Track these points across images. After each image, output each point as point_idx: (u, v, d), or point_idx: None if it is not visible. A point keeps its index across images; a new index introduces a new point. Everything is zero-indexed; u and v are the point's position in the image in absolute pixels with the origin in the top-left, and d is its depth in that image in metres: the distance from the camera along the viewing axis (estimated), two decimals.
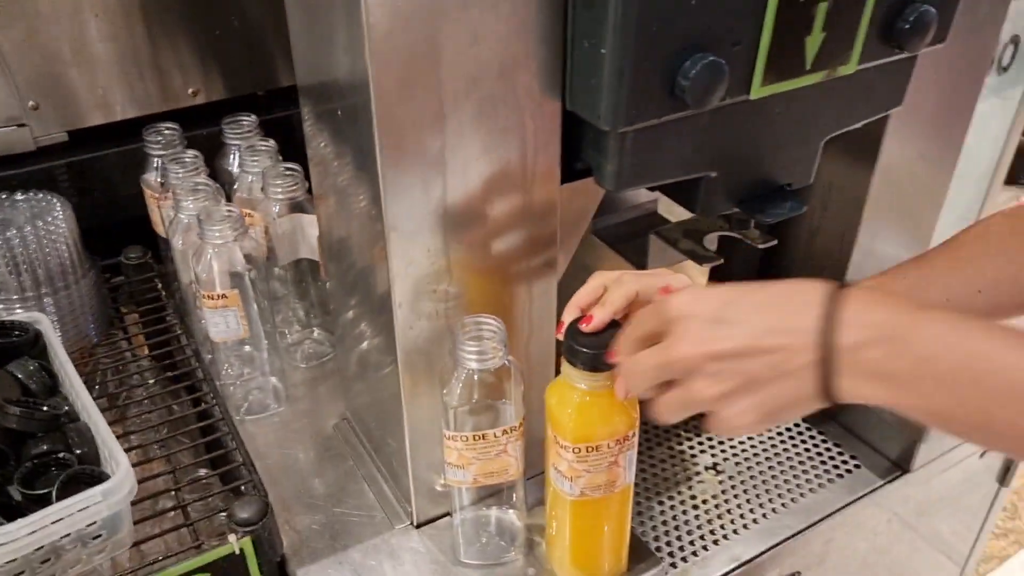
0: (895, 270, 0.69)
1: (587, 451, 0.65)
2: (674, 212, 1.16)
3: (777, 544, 0.89)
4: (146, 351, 0.99)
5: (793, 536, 0.89)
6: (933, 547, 1.19)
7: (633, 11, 0.56)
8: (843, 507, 0.92)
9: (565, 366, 0.65)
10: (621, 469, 0.67)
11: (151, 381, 0.93)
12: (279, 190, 0.91)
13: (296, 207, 0.93)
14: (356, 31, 0.57)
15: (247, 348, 0.94)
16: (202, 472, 0.87)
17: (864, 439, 1.00)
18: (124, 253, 1.05)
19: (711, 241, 0.89)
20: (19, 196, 0.92)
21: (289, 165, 0.93)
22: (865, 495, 0.94)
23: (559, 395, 0.67)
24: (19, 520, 0.63)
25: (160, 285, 1.04)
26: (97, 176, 1.06)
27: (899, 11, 0.68)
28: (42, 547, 0.64)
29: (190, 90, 1.08)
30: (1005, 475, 1.18)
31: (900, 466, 0.97)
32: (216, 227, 0.82)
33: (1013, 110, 1.95)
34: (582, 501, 0.68)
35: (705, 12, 0.58)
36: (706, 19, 0.59)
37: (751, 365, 0.51)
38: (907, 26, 0.69)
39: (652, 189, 0.76)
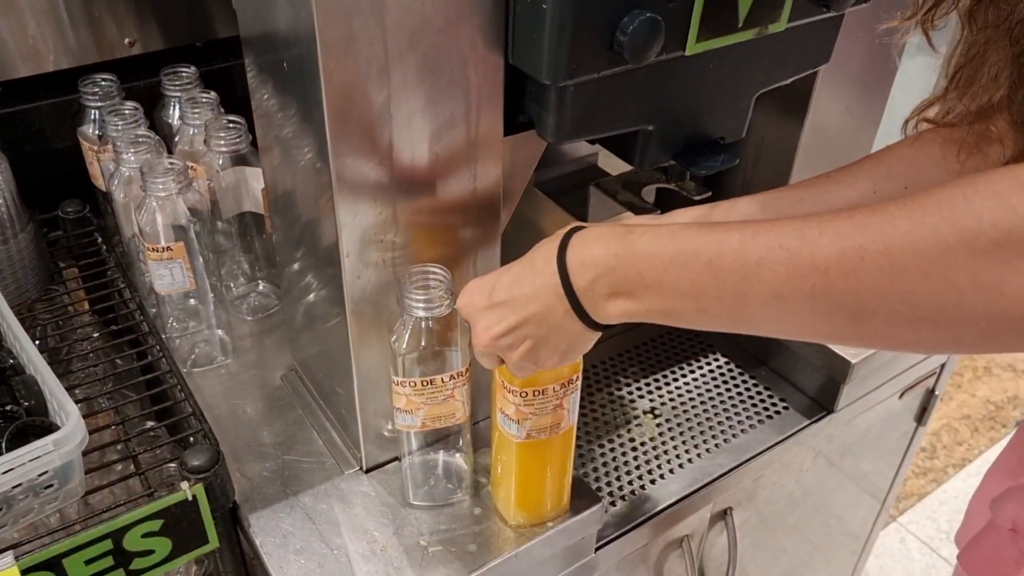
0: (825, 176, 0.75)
1: (533, 395, 0.68)
2: (613, 165, 1.19)
3: (710, 482, 0.94)
4: (87, 306, 0.99)
5: (725, 474, 0.94)
6: (856, 484, 1.27)
7: None
8: (772, 446, 0.98)
9: None
10: (565, 411, 0.71)
11: (95, 335, 0.93)
12: (222, 143, 0.91)
13: (240, 160, 0.92)
14: None
15: (192, 301, 0.94)
16: (150, 424, 0.87)
17: (792, 382, 1.06)
18: (61, 207, 1.04)
19: (649, 193, 0.92)
20: None
21: (232, 117, 0.92)
22: (792, 434, 0.99)
23: None
24: None
25: (100, 239, 1.03)
26: (31, 128, 1.04)
27: None
28: None
29: (126, 40, 1.06)
30: (923, 415, 1.25)
31: (825, 407, 1.02)
32: (159, 180, 0.82)
33: (940, 67, 2.01)
34: (528, 443, 0.71)
35: None
36: None
37: (528, 330, 0.60)
38: None
39: (592, 142, 0.78)
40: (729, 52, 0.71)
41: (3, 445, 0.67)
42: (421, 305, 0.68)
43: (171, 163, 0.84)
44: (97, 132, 0.97)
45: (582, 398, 1.02)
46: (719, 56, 0.71)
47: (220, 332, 0.97)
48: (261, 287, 1.05)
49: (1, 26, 0.98)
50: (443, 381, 0.72)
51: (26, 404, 0.73)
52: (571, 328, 0.58)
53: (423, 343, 0.70)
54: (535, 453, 0.73)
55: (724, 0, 0.67)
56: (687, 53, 0.67)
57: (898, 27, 0.66)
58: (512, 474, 0.75)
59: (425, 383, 0.72)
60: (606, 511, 0.88)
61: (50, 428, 0.70)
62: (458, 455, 0.83)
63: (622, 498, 0.91)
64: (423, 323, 0.69)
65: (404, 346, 0.70)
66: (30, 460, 0.65)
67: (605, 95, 0.67)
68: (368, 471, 0.83)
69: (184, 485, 0.72)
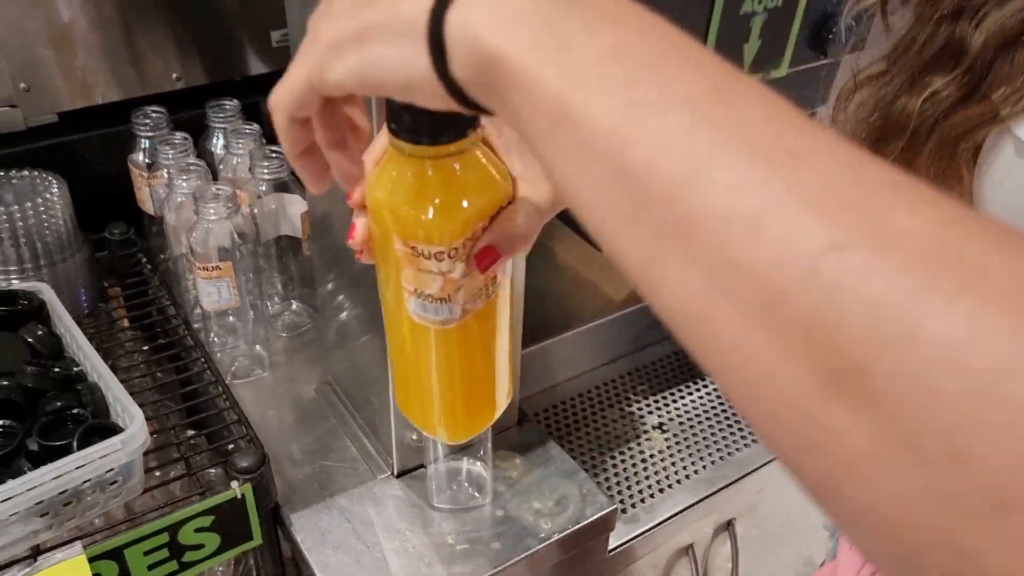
0: None
1: (464, 245, 0.44)
2: None
3: (714, 492, 1.00)
4: (135, 321, 1.06)
5: (728, 485, 1.01)
6: None
7: None
8: (772, 459, 1.04)
9: (400, 143, 0.42)
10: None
11: (144, 348, 1.00)
12: (265, 171, 0.98)
13: (280, 187, 1.00)
14: None
15: (231, 319, 1.01)
16: (192, 432, 0.94)
17: None
18: (108, 229, 1.11)
19: None
20: (14, 173, 0.97)
21: (274, 148, 1.00)
22: None
23: (403, 183, 0.43)
24: (46, 466, 0.70)
25: (144, 259, 1.10)
26: (84, 156, 1.11)
27: (823, 24, 0.79)
28: (65, 491, 0.72)
29: (173, 75, 1.13)
30: None
31: None
32: (211, 205, 0.89)
33: None
34: (466, 323, 0.47)
35: None
36: None
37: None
38: (830, 36, 0.80)
39: None
40: None
41: (75, 443, 0.73)
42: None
43: (220, 190, 0.92)
44: (147, 160, 1.05)
45: (595, 414, 1.09)
46: None
47: (258, 347, 1.03)
48: (294, 306, 1.12)
49: (59, 63, 1.06)
50: None
51: (90, 408, 0.80)
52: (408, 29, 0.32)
53: None
54: (477, 332, 0.49)
55: (731, 48, 0.74)
56: None
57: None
58: (453, 376, 0.50)
59: None
60: (618, 516, 0.94)
61: (114, 429, 0.76)
62: (479, 464, 0.89)
63: (632, 505, 0.97)
64: None
65: None
66: (100, 457, 0.72)
67: None
68: (399, 476, 0.89)
69: (234, 484, 0.79)
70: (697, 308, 0.24)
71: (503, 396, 0.55)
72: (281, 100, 0.38)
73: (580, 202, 0.28)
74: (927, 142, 0.43)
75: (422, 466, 0.90)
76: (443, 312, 0.46)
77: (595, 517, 0.86)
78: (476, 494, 0.88)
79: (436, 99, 0.33)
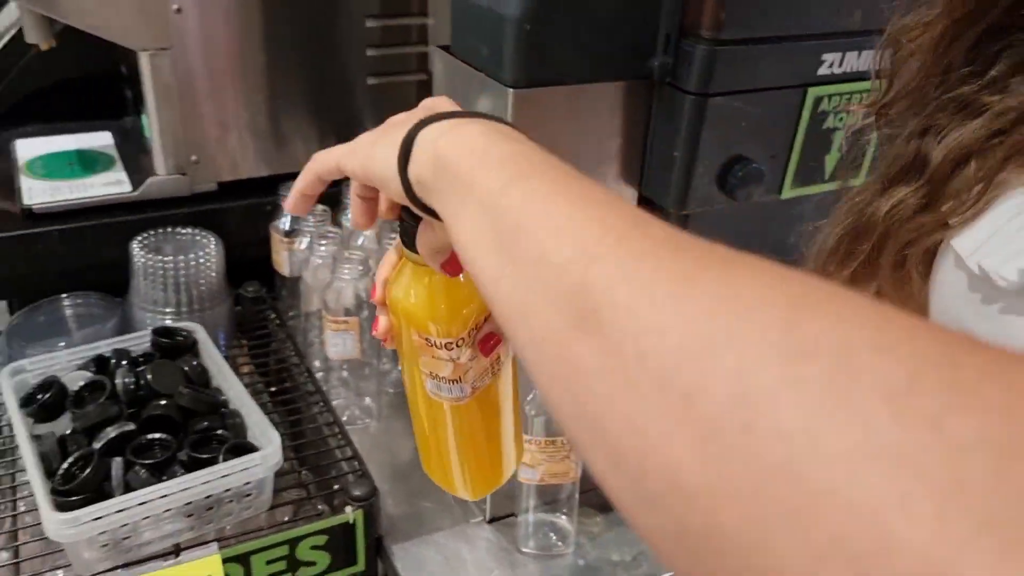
0: None
1: (470, 335, 0.53)
2: None
3: None
4: (260, 367, 1.19)
5: None
6: None
7: (698, 131, 0.77)
8: None
9: (414, 256, 0.51)
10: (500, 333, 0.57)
11: (273, 389, 1.12)
12: (391, 242, 1.12)
13: None
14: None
15: (345, 373, 1.13)
16: (311, 466, 1.05)
17: None
18: (243, 286, 1.26)
19: None
20: (179, 230, 1.13)
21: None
22: None
23: (415, 288, 0.52)
24: (197, 471, 0.82)
25: (274, 315, 1.24)
26: (235, 220, 1.27)
27: None
28: (210, 496, 0.83)
29: None
30: None
31: None
32: (346, 266, 1.03)
33: None
34: (475, 399, 0.55)
35: (751, 133, 0.79)
36: (752, 138, 0.80)
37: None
38: None
39: None
40: (817, 198, 0.88)
41: (221, 457, 0.85)
42: None
43: (354, 254, 1.05)
44: (287, 228, 1.20)
45: None
46: (808, 201, 0.89)
47: (368, 399, 1.15)
48: None
49: (222, 141, 1.24)
50: (563, 442, 0.88)
51: (231, 431, 0.91)
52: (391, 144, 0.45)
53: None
54: (486, 406, 0.57)
55: (814, 157, 0.85)
56: (782, 197, 0.85)
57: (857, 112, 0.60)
58: (464, 444, 0.58)
59: (548, 443, 0.88)
60: None
61: (253, 449, 0.88)
62: (564, 517, 0.97)
63: None
64: None
65: (535, 408, 0.86)
66: (241, 470, 0.83)
67: (716, 226, 0.85)
68: (491, 521, 0.98)
69: (348, 509, 0.89)
70: (519, 302, 0.34)
71: (511, 460, 0.61)
72: (319, 159, 0.52)
73: (464, 243, 0.39)
74: (887, 245, 0.52)
75: (512, 514, 0.99)
76: (455, 391, 0.54)
77: (670, 574, 0.92)
78: (560, 543, 0.95)
79: (397, 192, 0.45)
